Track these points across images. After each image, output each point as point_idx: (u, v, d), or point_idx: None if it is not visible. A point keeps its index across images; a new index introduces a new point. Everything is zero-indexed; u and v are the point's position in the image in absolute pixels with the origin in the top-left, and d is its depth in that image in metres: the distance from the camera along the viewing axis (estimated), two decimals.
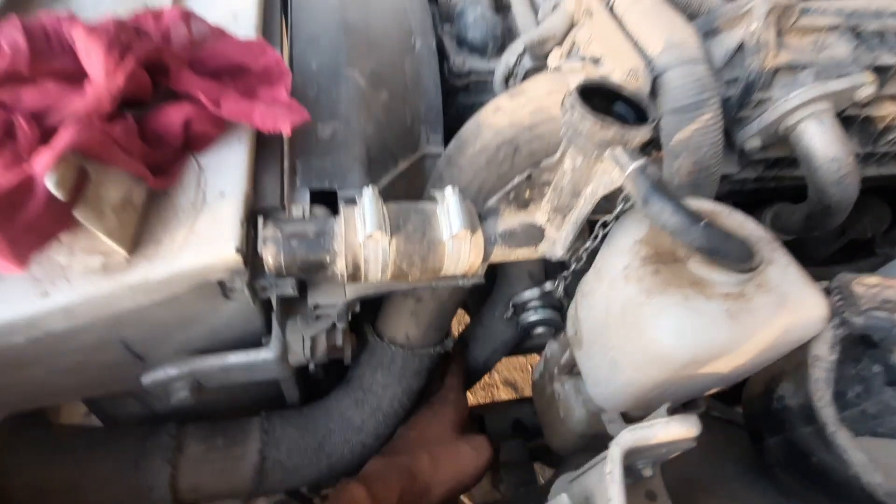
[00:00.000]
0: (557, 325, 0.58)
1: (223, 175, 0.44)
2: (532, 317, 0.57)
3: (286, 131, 0.41)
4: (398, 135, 0.58)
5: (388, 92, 0.60)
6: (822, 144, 0.56)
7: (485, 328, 0.76)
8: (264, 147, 0.47)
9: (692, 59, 0.48)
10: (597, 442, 0.56)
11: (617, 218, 0.42)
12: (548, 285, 0.56)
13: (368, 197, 0.40)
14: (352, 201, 0.46)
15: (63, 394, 0.52)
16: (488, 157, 0.55)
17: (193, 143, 0.43)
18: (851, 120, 0.64)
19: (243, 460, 0.60)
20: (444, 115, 0.65)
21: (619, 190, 0.40)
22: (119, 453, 0.56)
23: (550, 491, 0.51)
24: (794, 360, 0.54)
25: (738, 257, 0.32)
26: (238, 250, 0.39)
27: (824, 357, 0.38)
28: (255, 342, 0.55)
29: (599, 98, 0.35)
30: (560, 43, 0.59)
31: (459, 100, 0.71)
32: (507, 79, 0.62)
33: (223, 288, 0.46)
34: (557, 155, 0.40)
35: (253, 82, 0.44)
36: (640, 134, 0.34)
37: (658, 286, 0.36)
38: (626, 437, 0.35)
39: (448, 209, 0.42)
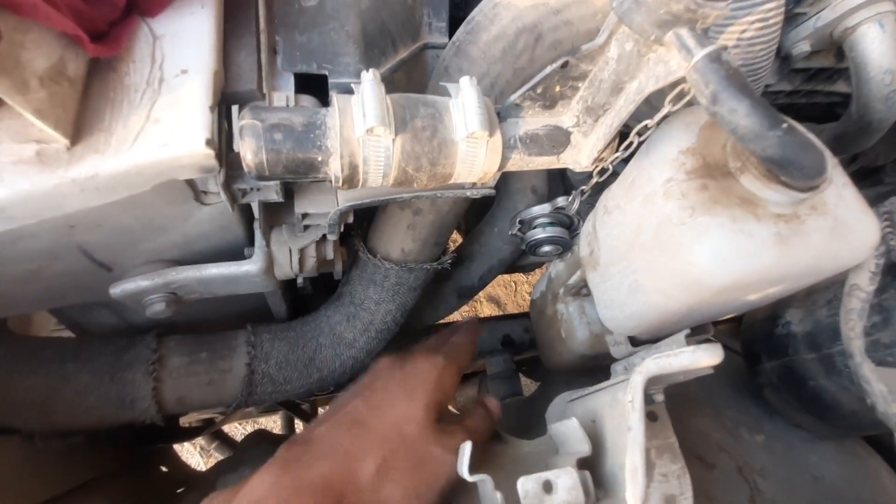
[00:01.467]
0: (566, 245, 0.54)
1: (184, 46, 0.35)
2: (540, 234, 0.53)
3: None
4: (398, 13, 0.48)
5: None
6: (880, 53, 0.49)
7: (482, 245, 0.72)
8: (233, 15, 0.38)
9: None
10: (595, 362, 0.55)
11: (659, 123, 0.36)
12: (560, 200, 0.51)
13: (369, 83, 0.32)
14: (346, 90, 0.38)
15: (19, 305, 0.47)
16: (505, 46, 0.47)
17: (142, 0, 0.34)
18: None
19: (230, 373, 0.58)
20: None
21: (668, 87, 0.33)
22: (94, 366, 0.52)
23: (548, 409, 0.51)
24: (806, 287, 0.53)
25: (811, 172, 0.27)
26: (209, 143, 0.32)
27: (863, 287, 0.36)
28: (235, 253, 0.49)
29: None
30: None
31: None
32: None
33: (195, 190, 0.40)
34: (602, 38, 0.32)
35: None
36: (718, 9, 0.27)
37: (704, 204, 0.32)
38: (650, 366, 0.32)
39: (464, 104, 0.35)
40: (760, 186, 0.31)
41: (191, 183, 0.38)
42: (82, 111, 0.33)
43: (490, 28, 0.47)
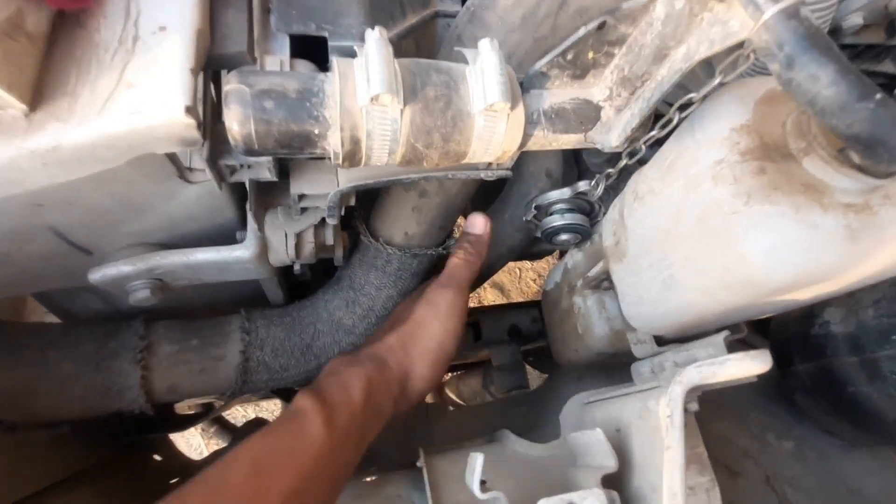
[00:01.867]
0: (585, 233, 0.49)
1: (163, 0, 0.30)
2: (557, 221, 0.49)
3: None
4: None
5: None
6: None
7: (492, 231, 0.68)
8: None
9: None
10: (613, 360, 0.51)
11: (706, 97, 0.31)
12: (581, 185, 0.47)
13: (375, 42, 0.28)
14: (348, 54, 0.33)
15: None
16: (525, 12, 0.42)
17: None
18: None
19: (224, 361, 0.54)
20: None
21: (700, 67, 0.29)
22: (78, 354, 0.49)
23: (563, 411, 0.48)
24: None
25: None
26: (189, 111, 0.28)
27: None
28: (227, 236, 0.45)
29: None
30: None
31: None
32: None
33: (178, 167, 0.35)
34: None
35: None
36: None
37: (761, 190, 0.27)
38: (692, 375, 0.28)
39: (483, 70, 0.30)
40: (828, 171, 0.27)
41: (173, 158, 0.34)
42: (43, 73, 0.28)
43: None
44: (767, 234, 0.27)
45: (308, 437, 0.37)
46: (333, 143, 0.29)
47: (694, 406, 0.33)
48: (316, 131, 0.29)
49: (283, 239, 0.44)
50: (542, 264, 2.08)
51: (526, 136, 0.34)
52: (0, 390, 0.47)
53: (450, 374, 1.16)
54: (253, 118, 0.28)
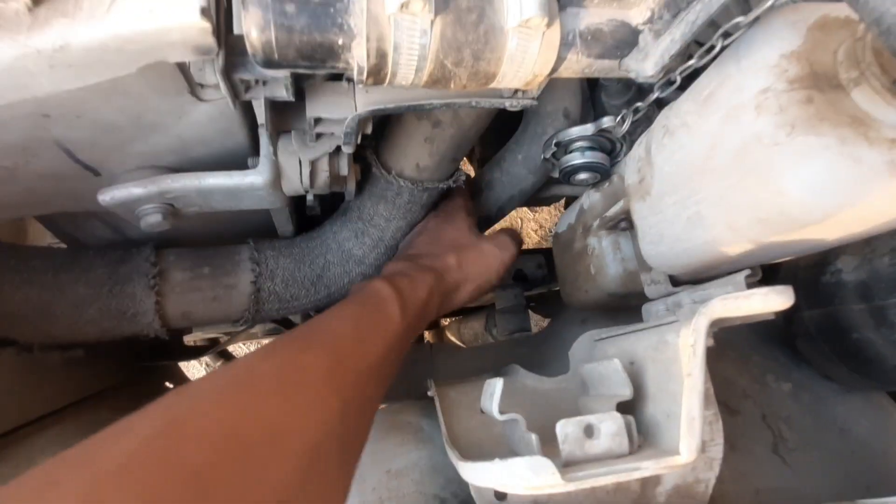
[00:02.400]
0: (605, 172, 0.48)
1: None
2: (577, 159, 0.47)
3: None
4: None
5: None
6: None
7: (504, 172, 0.66)
8: None
9: None
10: (623, 302, 0.52)
11: (753, 22, 0.29)
12: (605, 121, 0.45)
13: None
14: None
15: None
16: None
17: None
18: None
19: (235, 290, 0.55)
20: None
21: None
22: (90, 277, 0.49)
23: (573, 347, 0.48)
24: None
25: None
26: (204, 13, 0.26)
27: None
28: (238, 164, 0.44)
29: None
30: None
31: None
32: None
33: (189, 82, 0.34)
34: None
35: None
36: None
37: (808, 120, 0.26)
38: (717, 307, 0.28)
39: None
40: (878, 103, 0.26)
41: (184, 71, 0.32)
42: None
43: None
44: (810, 167, 0.26)
45: (390, 317, 0.43)
46: (358, 56, 0.28)
47: (710, 341, 0.34)
48: (340, 41, 0.27)
49: (296, 166, 0.42)
50: (544, 215, 2.07)
51: (559, 60, 0.32)
52: (15, 312, 0.47)
53: (450, 319, 1.18)
54: (273, 24, 0.26)
